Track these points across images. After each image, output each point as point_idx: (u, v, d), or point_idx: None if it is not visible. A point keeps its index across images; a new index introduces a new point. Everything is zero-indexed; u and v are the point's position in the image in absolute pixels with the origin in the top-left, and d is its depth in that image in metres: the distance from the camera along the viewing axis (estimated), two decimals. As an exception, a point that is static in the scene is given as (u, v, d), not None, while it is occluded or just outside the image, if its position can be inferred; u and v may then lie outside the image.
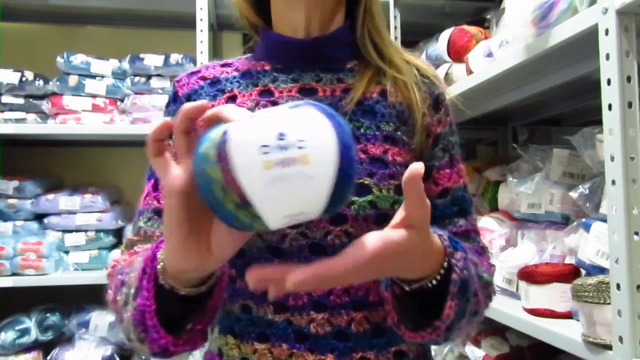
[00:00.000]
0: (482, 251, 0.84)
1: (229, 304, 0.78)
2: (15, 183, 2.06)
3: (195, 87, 0.85)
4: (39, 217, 2.11)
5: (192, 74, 0.87)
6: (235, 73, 0.86)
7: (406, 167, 0.78)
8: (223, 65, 0.88)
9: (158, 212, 0.81)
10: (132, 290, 0.61)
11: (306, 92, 0.81)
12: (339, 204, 0.50)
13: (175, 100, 0.86)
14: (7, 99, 2.06)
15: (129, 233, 2.16)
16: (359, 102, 0.80)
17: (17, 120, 2.05)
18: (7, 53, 2.20)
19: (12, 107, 2.06)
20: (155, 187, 0.83)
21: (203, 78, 0.86)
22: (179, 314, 0.63)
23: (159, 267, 0.59)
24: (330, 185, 0.47)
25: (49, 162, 2.35)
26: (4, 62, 2.12)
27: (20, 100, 2.07)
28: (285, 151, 0.46)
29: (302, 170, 0.46)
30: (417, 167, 0.52)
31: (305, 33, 0.82)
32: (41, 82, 2.09)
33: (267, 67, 0.84)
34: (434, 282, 0.63)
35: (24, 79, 2.06)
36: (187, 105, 0.54)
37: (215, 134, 0.48)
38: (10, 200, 2.06)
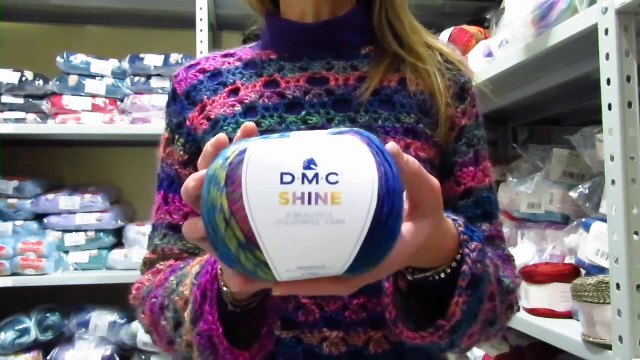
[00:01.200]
0: (508, 260, 0.75)
1: None
2: (15, 183, 2.06)
3: (194, 82, 0.78)
4: (39, 217, 2.10)
5: (191, 67, 0.80)
6: (238, 63, 0.78)
7: (431, 164, 0.72)
8: (225, 56, 0.80)
9: (172, 227, 0.76)
10: (189, 315, 0.58)
11: (316, 82, 0.73)
12: (369, 263, 0.40)
13: (175, 99, 0.80)
14: (7, 99, 2.06)
15: (130, 233, 2.16)
16: (375, 92, 0.72)
17: (17, 120, 2.05)
18: (7, 53, 2.20)
19: (12, 107, 2.06)
20: (166, 201, 0.78)
21: (203, 71, 0.78)
22: (240, 326, 0.59)
23: (224, 289, 0.55)
24: (362, 236, 0.38)
25: (49, 162, 2.35)
26: (4, 62, 2.12)
27: (20, 100, 2.07)
28: (310, 184, 0.37)
29: (329, 212, 0.37)
30: (393, 145, 0.43)
31: (314, 18, 0.75)
32: (41, 82, 2.08)
33: (273, 56, 0.77)
34: (443, 275, 0.54)
35: (24, 79, 2.06)
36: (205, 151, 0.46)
37: (232, 151, 0.40)
38: (10, 200, 2.06)
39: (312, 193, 0.37)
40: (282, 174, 0.37)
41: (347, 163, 0.38)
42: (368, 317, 0.67)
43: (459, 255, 0.54)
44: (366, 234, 0.38)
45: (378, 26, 0.75)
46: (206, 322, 0.56)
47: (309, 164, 0.37)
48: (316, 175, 0.37)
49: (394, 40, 0.75)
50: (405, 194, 0.46)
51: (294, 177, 0.37)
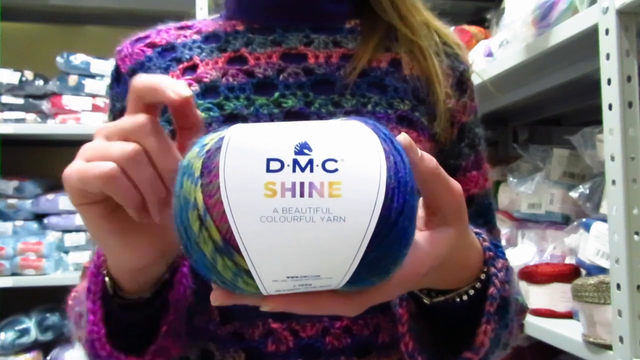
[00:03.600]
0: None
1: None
2: (15, 183, 2.06)
3: (141, 59, 0.65)
4: (39, 217, 2.11)
5: (138, 40, 0.67)
6: (196, 36, 0.66)
7: None
8: (180, 28, 0.68)
9: None
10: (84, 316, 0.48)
11: (292, 59, 0.62)
12: (375, 273, 0.33)
13: (118, 80, 0.66)
14: (7, 99, 2.06)
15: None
16: (363, 73, 0.61)
17: (17, 120, 2.05)
18: (7, 53, 2.20)
19: (11, 107, 2.06)
20: None
21: (152, 45, 0.66)
22: (139, 329, 0.50)
23: (106, 280, 0.46)
24: (366, 237, 0.31)
25: (49, 162, 2.35)
26: (4, 62, 2.12)
27: (20, 100, 2.07)
28: (303, 172, 0.30)
29: (326, 206, 0.30)
30: (405, 136, 0.36)
31: None
32: (41, 82, 2.09)
33: (240, 28, 0.64)
34: (465, 297, 0.46)
35: (23, 79, 2.06)
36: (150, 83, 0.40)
37: (211, 138, 0.34)
38: (10, 200, 2.06)
39: (305, 183, 0.30)
40: (269, 160, 0.30)
41: (347, 148, 0.31)
42: (353, 343, 0.55)
43: (483, 274, 0.47)
44: (371, 235, 0.31)
45: None
46: (88, 322, 0.46)
47: (302, 149, 0.31)
48: (310, 162, 0.30)
49: (390, 7, 0.64)
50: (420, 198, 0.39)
51: (282, 164, 0.30)
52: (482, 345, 0.46)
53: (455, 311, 0.47)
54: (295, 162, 0.30)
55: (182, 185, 0.32)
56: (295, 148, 0.31)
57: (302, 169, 0.30)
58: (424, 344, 0.49)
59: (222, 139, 0.33)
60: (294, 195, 0.30)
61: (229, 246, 0.31)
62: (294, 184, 0.30)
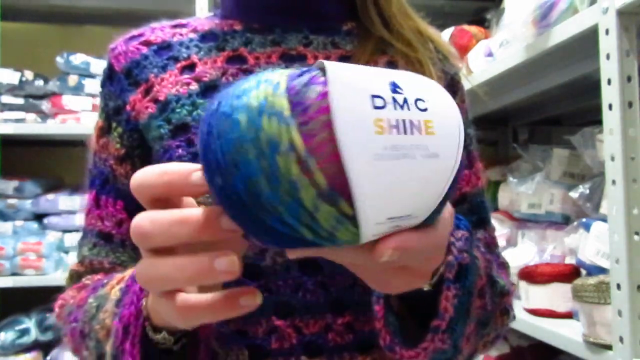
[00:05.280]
0: (502, 266, 0.68)
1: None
2: (15, 183, 2.06)
3: (137, 57, 0.64)
4: (39, 217, 2.10)
5: (132, 38, 0.66)
6: (192, 35, 0.65)
7: None
8: (175, 26, 0.68)
9: (103, 236, 0.64)
10: (111, 348, 0.48)
11: (292, 59, 0.62)
12: (441, 210, 0.34)
13: (111, 78, 0.65)
14: (6, 99, 2.06)
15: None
16: None
17: (17, 120, 2.05)
18: (7, 53, 2.20)
19: (11, 107, 2.06)
20: (98, 203, 0.65)
21: (147, 43, 0.65)
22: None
23: (147, 326, 0.45)
24: (453, 173, 0.32)
25: (49, 162, 2.35)
26: (4, 62, 2.12)
27: (20, 100, 2.07)
28: (402, 110, 0.30)
29: (424, 143, 0.30)
30: None
31: None
32: (41, 82, 2.09)
33: (238, 27, 0.64)
34: (431, 281, 0.46)
35: (23, 79, 2.06)
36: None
37: (277, 76, 0.30)
38: (10, 200, 2.06)
39: (406, 120, 0.30)
40: (373, 97, 0.29)
41: (427, 88, 0.32)
42: (355, 339, 0.56)
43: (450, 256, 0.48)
44: (456, 171, 0.32)
45: (360, 2, 0.66)
46: None
47: (395, 87, 0.30)
48: (405, 100, 0.30)
49: (379, 19, 0.65)
50: None
51: (385, 102, 0.30)
52: (446, 310, 0.46)
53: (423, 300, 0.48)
54: (394, 99, 0.30)
55: (260, 127, 0.28)
56: (389, 86, 0.30)
57: (401, 107, 0.30)
58: (405, 335, 0.49)
59: (306, 72, 0.30)
60: (399, 132, 0.29)
61: (334, 190, 0.28)
62: (397, 121, 0.30)
